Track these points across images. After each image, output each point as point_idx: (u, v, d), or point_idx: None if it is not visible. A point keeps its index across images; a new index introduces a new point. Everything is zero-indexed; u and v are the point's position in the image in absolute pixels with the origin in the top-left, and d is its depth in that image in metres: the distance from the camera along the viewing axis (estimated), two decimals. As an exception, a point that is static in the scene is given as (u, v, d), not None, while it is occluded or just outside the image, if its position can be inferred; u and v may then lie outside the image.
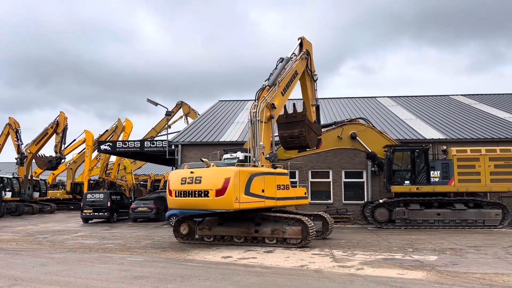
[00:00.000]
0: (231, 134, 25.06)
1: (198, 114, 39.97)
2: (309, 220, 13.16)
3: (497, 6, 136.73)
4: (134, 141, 26.96)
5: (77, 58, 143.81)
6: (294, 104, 16.76)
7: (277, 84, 15.42)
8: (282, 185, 13.94)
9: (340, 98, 34.40)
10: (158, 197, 25.64)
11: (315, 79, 18.39)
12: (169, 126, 37.96)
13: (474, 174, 18.26)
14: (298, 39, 17.79)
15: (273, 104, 15.00)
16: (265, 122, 14.59)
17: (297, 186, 14.86)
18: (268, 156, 14.25)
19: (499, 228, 17.95)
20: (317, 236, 14.57)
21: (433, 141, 21.25)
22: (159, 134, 41.50)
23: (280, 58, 16.54)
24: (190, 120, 40.09)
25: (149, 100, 26.86)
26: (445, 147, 19.81)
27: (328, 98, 35.01)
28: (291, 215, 13.38)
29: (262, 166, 13.89)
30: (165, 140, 25.30)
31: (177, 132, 29.12)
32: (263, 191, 13.14)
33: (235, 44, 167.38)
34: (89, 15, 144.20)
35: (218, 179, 12.41)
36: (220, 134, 25.34)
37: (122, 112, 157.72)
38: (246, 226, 13.68)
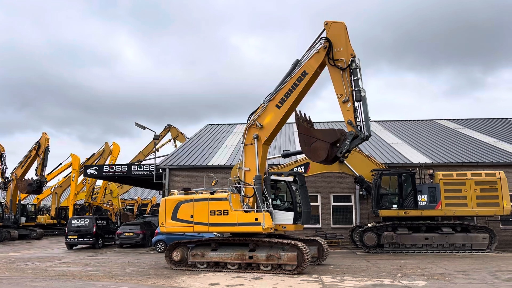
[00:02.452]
0: (220, 158, 25.01)
1: (187, 138, 39.88)
2: (304, 245, 12.81)
3: (470, 34, 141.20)
4: (121, 165, 26.70)
5: (58, 81, 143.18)
6: (297, 113, 14.23)
7: (265, 101, 14.38)
8: (217, 210, 13.50)
9: (327, 122, 34.69)
10: (145, 222, 25.28)
11: (343, 67, 13.37)
12: (157, 150, 37.77)
13: (461, 198, 18.40)
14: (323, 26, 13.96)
15: (257, 122, 14.32)
16: (248, 144, 14.33)
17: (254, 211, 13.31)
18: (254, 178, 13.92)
19: (486, 252, 18.00)
20: (312, 262, 14.24)
21: (420, 165, 21.46)
22: (146, 158, 41.19)
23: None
24: (179, 144, 39.96)
25: (137, 124, 26.77)
26: (431, 171, 20.00)
27: (315, 122, 35.25)
28: (286, 241, 13.05)
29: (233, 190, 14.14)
30: (153, 164, 25.13)
31: (165, 156, 28.98)
32: (191, 216, 13.77)
33: (216, 68, 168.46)
34: (69, 38, 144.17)
35: None
36: (208, 158, 25.27)
37: (105, 135, 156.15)
38: (240, 251, 13.37)
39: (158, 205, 46.44)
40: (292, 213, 14.12)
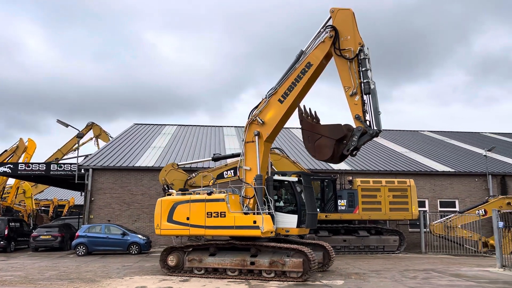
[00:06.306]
0: (147, 159, 24.55)
1: (111, 137, 38.42)
2: (311, 251, 12.17)
3: (377, 49, 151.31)
4: (39, 163, 25.12)
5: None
6: (301, 107, 13.10)
7: (267, 95, 13.46)
8: (214, 212, 12.70)
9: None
10: (64, 224, 24.04)
11: (350, 57, 12.40)
12: (78, 148, 35.96)
13: (376, 203, 19.94)
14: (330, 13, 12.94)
15: (258, 118, 13.43)
16: (249, 142, 13.47)
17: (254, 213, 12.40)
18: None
19: (396, 253, 19.67)
20: (318, 268, 13.57)
21: (341, 172, 22.82)
22: (65, 157, 38.98)
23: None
24: (101, 143, 38.37)
25: (59, 121, 25.45)
26: (351, 178, 21.40)
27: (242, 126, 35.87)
28: (292, 246, 12.28)
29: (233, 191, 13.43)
30: (74, 164, 23.98)
31: (87, 155, 27.74)
32: (187, 219, 13.02)
33: (129, 64, 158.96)
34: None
35: None
36: (135, 158, 24.69)
37: (8, 130, 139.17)
38: (241, 257, 12.53)
39: (77, 206, 44.28)
40: (296, 216, 13.25)
